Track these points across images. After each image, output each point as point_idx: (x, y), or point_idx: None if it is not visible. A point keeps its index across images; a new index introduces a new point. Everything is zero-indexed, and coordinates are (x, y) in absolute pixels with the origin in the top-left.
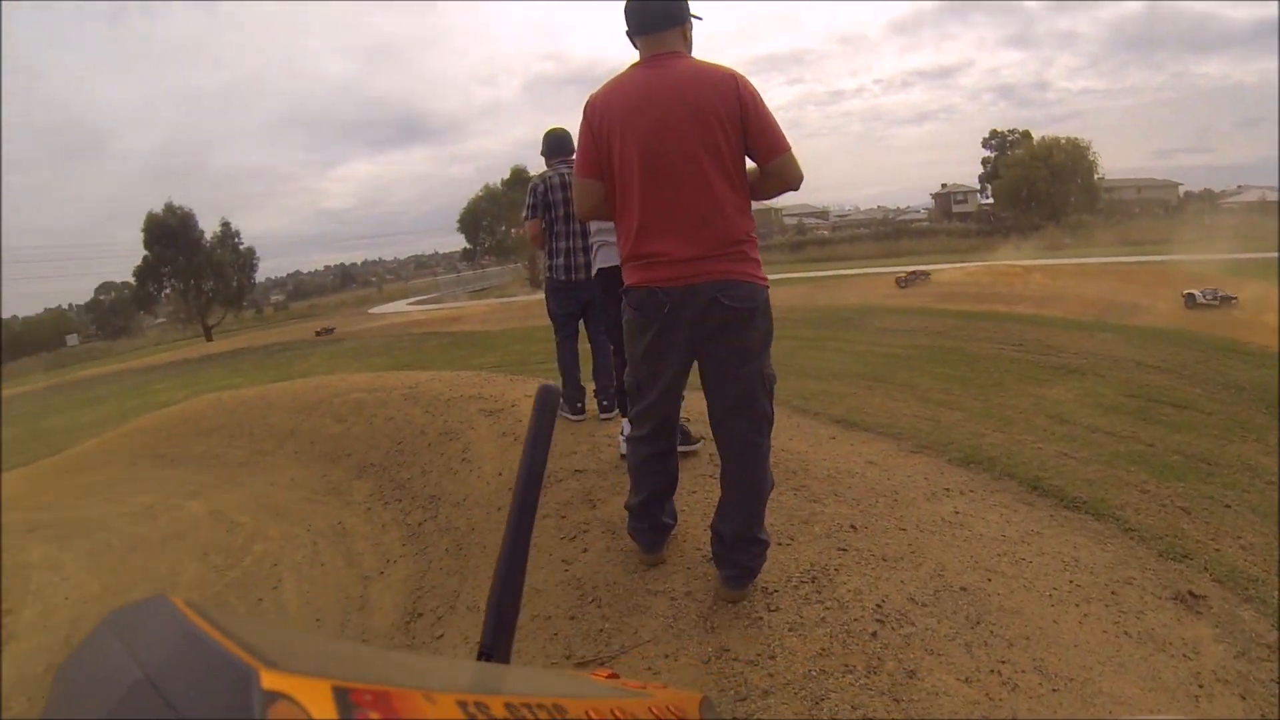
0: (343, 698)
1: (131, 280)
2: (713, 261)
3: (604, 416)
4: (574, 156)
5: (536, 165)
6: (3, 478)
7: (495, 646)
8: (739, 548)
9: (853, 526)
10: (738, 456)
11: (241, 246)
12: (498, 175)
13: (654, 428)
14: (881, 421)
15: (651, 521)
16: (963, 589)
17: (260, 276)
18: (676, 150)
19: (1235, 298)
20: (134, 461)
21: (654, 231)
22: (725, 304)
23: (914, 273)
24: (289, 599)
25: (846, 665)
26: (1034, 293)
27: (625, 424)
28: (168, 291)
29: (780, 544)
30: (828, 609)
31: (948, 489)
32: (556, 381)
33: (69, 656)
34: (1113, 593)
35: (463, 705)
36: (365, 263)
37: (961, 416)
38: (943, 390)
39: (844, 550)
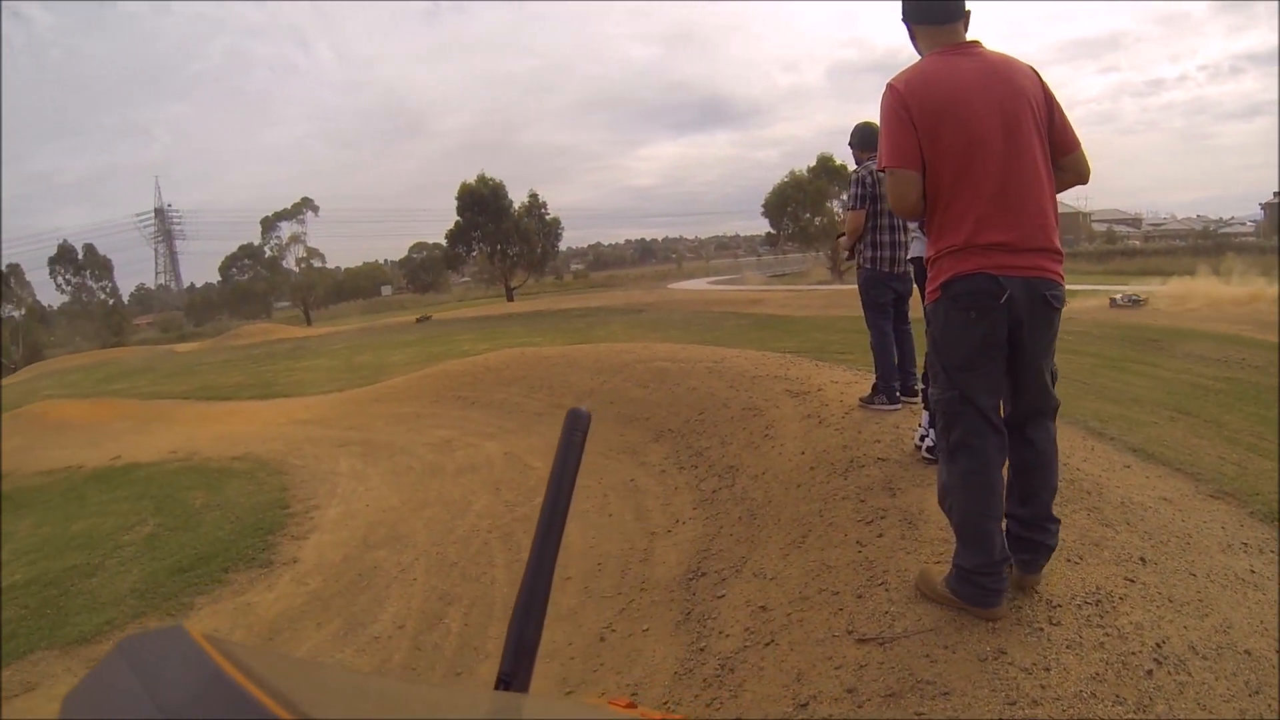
0: None
1: (443, 242)
2: (1046, 257)
3: (904, 400)
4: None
5: (842, 154)
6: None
7: (515, 674)
8: (1038, 527)
9: (1142, 559)
10: (1040, 442)
11: (547, 216)
12: (803, 161)
13: (978, 439)
14: (1181, 458)
15: (997, 579)
16: (1247, 652)
17: (563, 246)
18: (1014, 139)
19: None
20: (437, 400)
21: (994, 222)
22: (1053, 305)
23: (1129, 297)
24: (573, 541)
25: (1118, 696)
26: None
27: (925, 416)
28: (475, 253)
29: (1070, 560)
30: (1107, 635)
31: (1245, 543)
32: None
33: (79, 684)
34: None
35: None
36: (666, 239)
37: (1272, 466)
38: (1255, 433)
39: (1131, 581)
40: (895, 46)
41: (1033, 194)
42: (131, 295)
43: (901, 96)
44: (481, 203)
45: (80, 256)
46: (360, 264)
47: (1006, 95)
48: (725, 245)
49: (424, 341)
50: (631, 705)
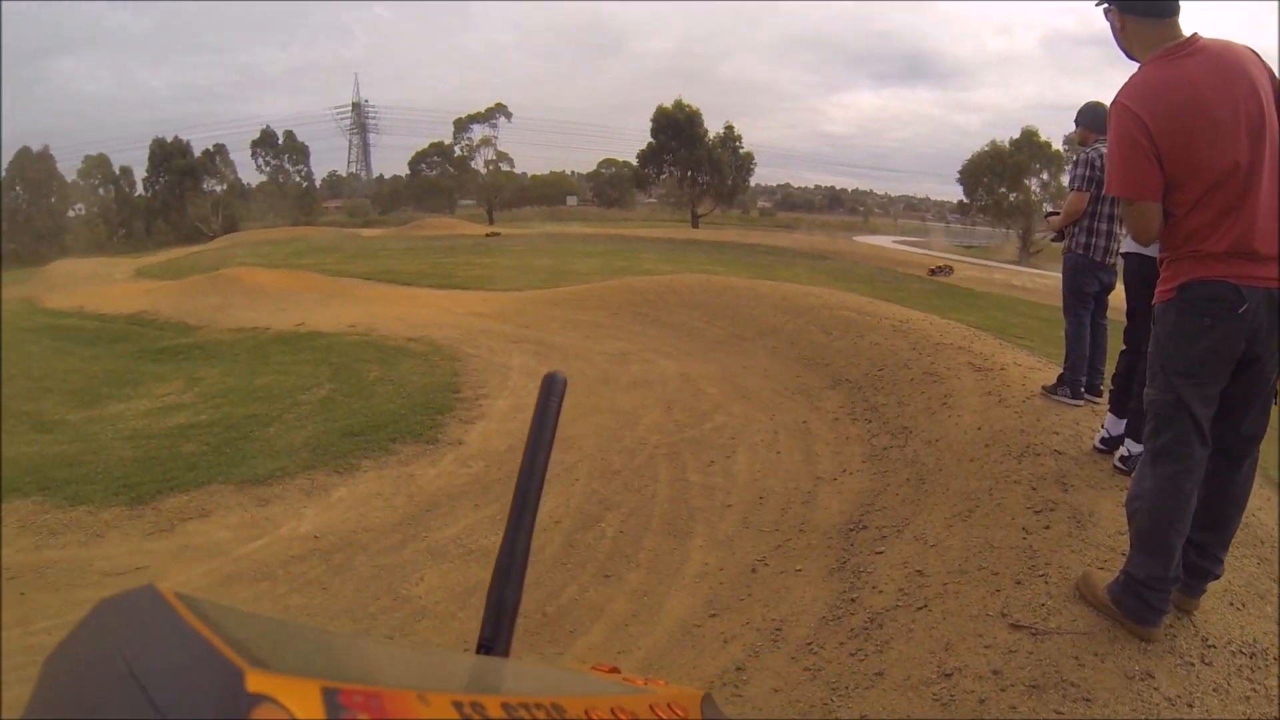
0: (332, 698)
1: (633, 161)
2: None
3: (1087, 398)
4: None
5: (1048, 130)
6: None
7: (495, 639)
8: (1212, 556)
9: None
10: (1245, 469)
11: (741, 150)
12: (1005, 132)
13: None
14: None
15: (1163, 598)
16: None
17: (753, 181)
18: (1258, 144)
19: None
20: (617, 312)
21: (1238, 229)
22: None
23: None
24: (739, 470)
25: None
26: None
27: (1109, 419)
28: (665, 177)
29: (1233, 605)
30: (1254, 690)
31: None
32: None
33: (57, 648)
34: None
35: (458, 705)
36: (855, 191)
37: None
38: None
39: None
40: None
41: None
42: (323, 180)
43: (1139, 120)
44: (676, 127)
45: (280, 141)
46: (547, 172)
47: (1245, 95)
48: (914, 206)
49: (606, 254)
50: (615, 670)
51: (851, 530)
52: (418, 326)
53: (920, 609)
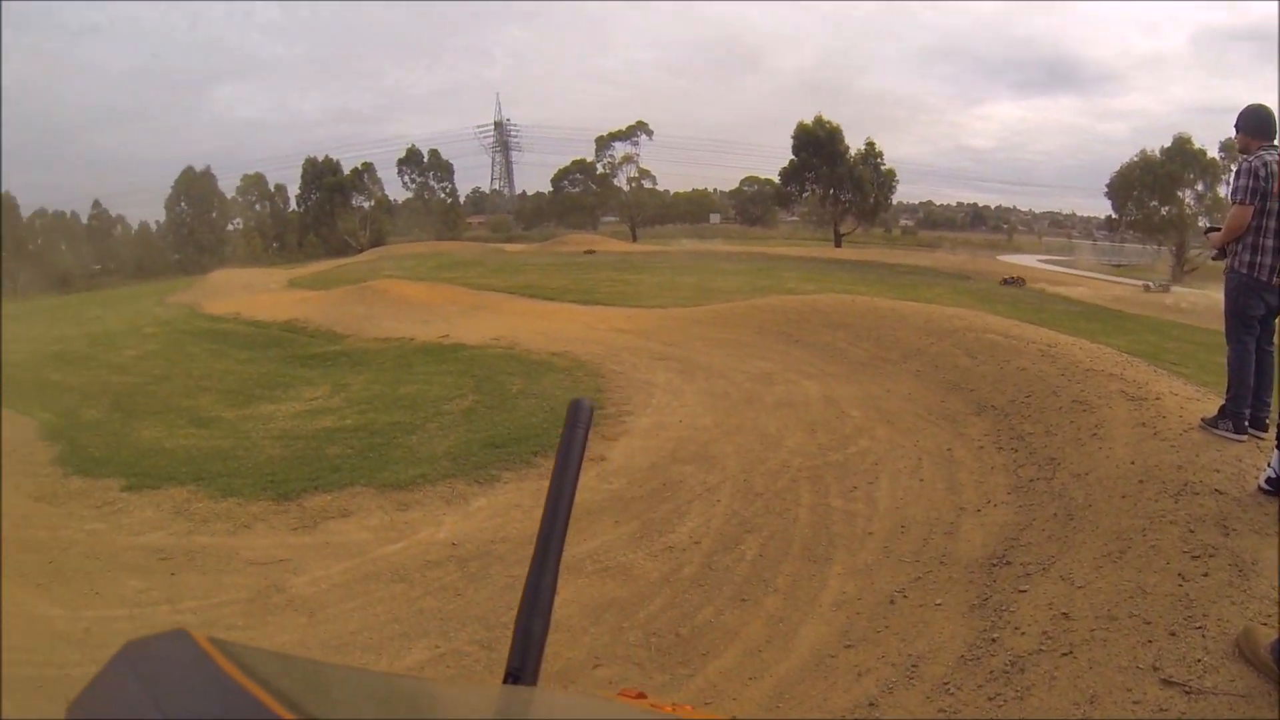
0: None
1: (775, 179)
2: None
3: (1251, 433)
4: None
5: (1202, 136)
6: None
7: (524, 668)
8: None
9: None
10: None
11: (882, 167)
12: (1156, 140)
13: None
14: None
15: None
16: None
17: (895, 199)
18: None
19: None
20: (761, 332)
21: None
22: None
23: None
24: (881, 497)
25: None
26: None
27: (1276, 456)
28: (807, 194)
29: None
30: None
31: None
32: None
33: (83, 692)
34: None
35: None
36: (999, 208)
37: None
38: None
39: None
40: (1274, 8)
41: None
42: (467, 197)
43: None
44: (817, 144)
45: (425, 160)
46: (690, 190)
47: None
48: (1059, 223)
49: (749, 272)
50: (641, 695)
51: (994, 565)
52: (561, 341)
53: (1065, 655)
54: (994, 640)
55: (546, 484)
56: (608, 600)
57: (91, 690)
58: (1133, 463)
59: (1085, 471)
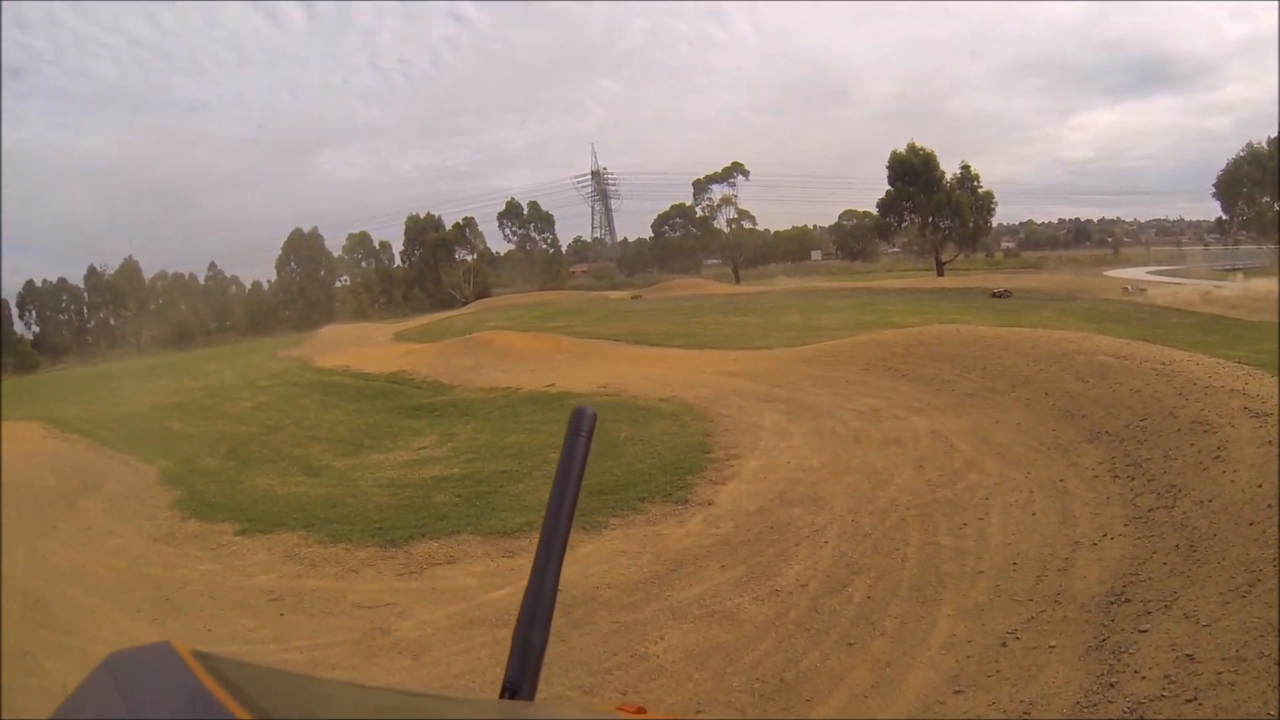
0: None
1: (873, 211)
2: None
3: None
4: None
5: None
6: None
7: (521, 682)
8: None
9: None
10: None
11: (980, 190)
12: (1264, 131)
13: None
14: None
15: None
16: None
17: (995, 221)
18: None
19: None
20: (867, 368)
21: None
22: None
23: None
24: (992, 534)
25: None
26: None
27: None
28: (905, 224)
29: None
30: None
31: None
32: None
33: (64, 703)
34: None
35: None
36: (1102, 220)
37: None
38: None
39: None
40: None
41: None
42: (569, 246)
43: None
44: (912, 172)
45: (525, 211)
46: (789, 228)
47: None
48: (1166, 230)
49: (853, 308)
50: (641, 711)
51: (1112, 603)
52: (668, 386)
53: (1189, 701)
54: (1112, 685)
55: (654, 530)
56: (713, 645)
57: (73, 699)
58: (1260, 486)
59: (1209, 498)
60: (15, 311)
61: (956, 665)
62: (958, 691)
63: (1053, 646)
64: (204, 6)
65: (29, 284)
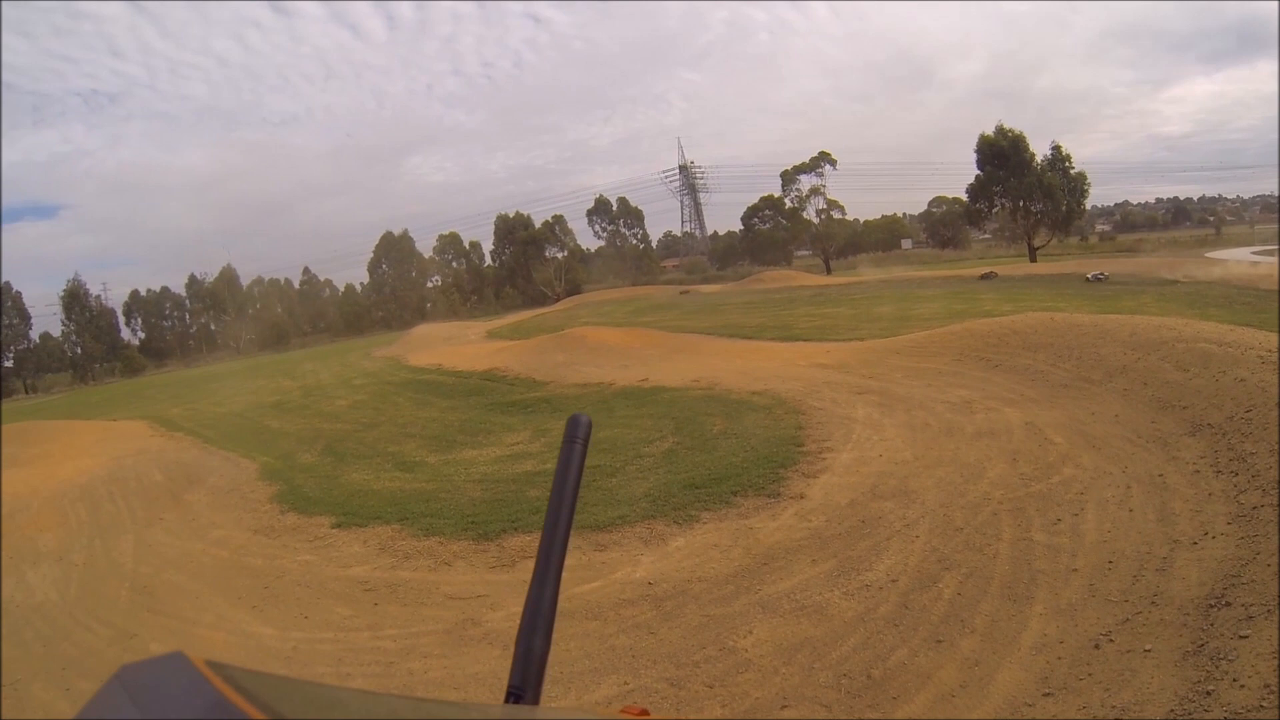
0: None
1: (963, 197)
2: None
3: None
4: None
5: None
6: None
7: (525, 686)
8: None
9: None
10: None
11: (1072, 171)
12: None
13: None
14: None
15: None
16: None
17: (1088, 204)
18: None
19: None
20: (959, 358)
21: None
22: None
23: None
24: (1087, 530)
25: None
26: None
27: None
28: (996, 209)
29: None
30: None
31: None
32: None
33: (80, 713)
34: None
35: None
36: (1202, 199)
37: None
38: None
39: None
40: None
41: None
42: (659, 241)
43: None
44: (1001, 155)
45: (614, 208)
46: (879, 216)
47: None
48: (1272, 207)
49: (945, 297)
50: (645, 713)
51: (1212, 606)
52: (760, 380)
53: None
54: (1209, 694)
55: (746, 524)
56: (801, 640)
57: (86, 711)
58: None
59: None
60: (122, 319)
61: (1047, 666)
62: (1048, 694)
63: (1148, 650)
64: (289, 24)
65: (134, 293)
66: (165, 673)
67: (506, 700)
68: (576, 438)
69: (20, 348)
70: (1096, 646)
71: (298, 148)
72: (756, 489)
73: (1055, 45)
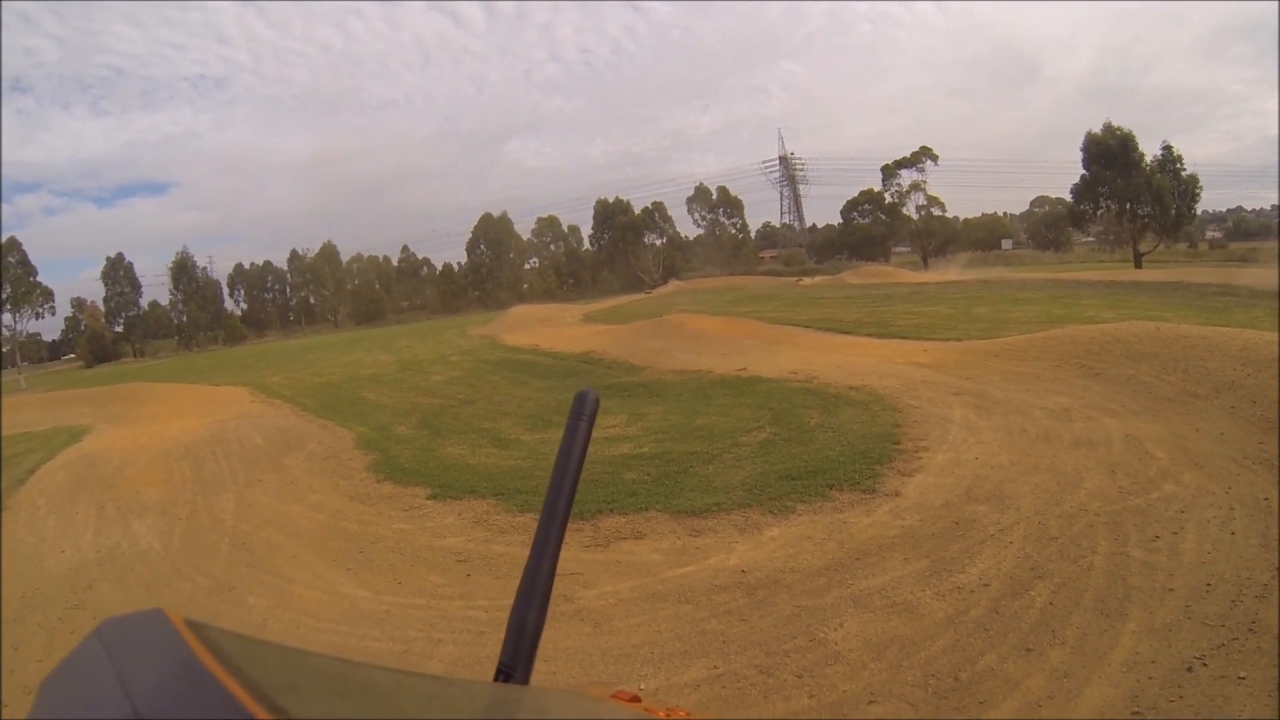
0: None
1: (1067, 197)
2: None
3: None
4: None
5: None
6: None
7: (515, 665)
8: None
9: None
10: None
11: (1183, 173)
12: None
13: None
14: None
15: None
16: None
17: (1199, 209)
18: None
19: None
20: (1059, 364)
21: None
22: None
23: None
24: (1186, 550)
25: None
26: None
27: None
28: (1101, 212)
29: None
30: None
31: None
32: None
33: (56, 669)
34: None
35: None
36: None
37: None
38: None
39: None
40: None
41: None
42: (758, 231)
43: None
44: (1109, 155)
45: (714, 196)
46: (979, 215)
47: None
48: None
49: (1045, 300)
50: (636, 699)
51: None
52: (858, 375)
53: None
54: None
55: (840, 518)
56: (891, 637)
57: (65, 665)
58: None
59: None
60: (226, 290)
61: (1137, 685)
62: (1136, 713)
63: (1242, 678)
64: (388, 10)
65: (238, 266)
66: (143, 629)
67: (496, 677)
68: (583, 414)
69: (131, 314)
70: (1189, 670)
71: (398, 131)
72: (851, 484)
73: (1168, 41)
